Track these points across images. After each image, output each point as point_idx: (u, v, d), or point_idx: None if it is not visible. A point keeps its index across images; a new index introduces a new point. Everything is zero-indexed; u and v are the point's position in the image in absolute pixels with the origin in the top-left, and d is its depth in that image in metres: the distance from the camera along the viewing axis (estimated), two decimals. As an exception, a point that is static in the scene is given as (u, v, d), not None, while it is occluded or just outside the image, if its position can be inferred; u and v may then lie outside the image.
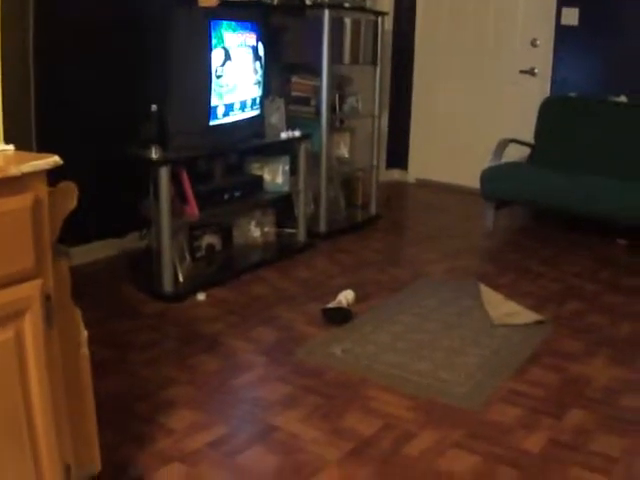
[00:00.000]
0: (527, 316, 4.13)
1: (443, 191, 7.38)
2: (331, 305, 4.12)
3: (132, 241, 4.99)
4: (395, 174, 7.85)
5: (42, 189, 1.84)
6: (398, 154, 7.81)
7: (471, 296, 4.45)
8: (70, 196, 2.02)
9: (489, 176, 5.84)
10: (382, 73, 6.08)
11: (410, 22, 7.59)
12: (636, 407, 3.19)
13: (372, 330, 3.93)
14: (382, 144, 7.10)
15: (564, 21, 6.72)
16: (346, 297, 4.22)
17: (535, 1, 6.85)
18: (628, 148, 5.96)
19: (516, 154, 6.41)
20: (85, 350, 2.21)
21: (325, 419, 3.04)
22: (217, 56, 4.38)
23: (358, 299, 4.30)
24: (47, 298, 1.89)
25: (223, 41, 4.42)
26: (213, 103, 4.44)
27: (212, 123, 4.48)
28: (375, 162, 6.16)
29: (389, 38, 7.34)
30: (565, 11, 6.69)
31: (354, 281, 4.66)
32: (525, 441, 2.88)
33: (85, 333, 2.20)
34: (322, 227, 5.62)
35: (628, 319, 4.20)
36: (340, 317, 4.03)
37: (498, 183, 5.83)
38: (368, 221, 6.13)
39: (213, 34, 4.32)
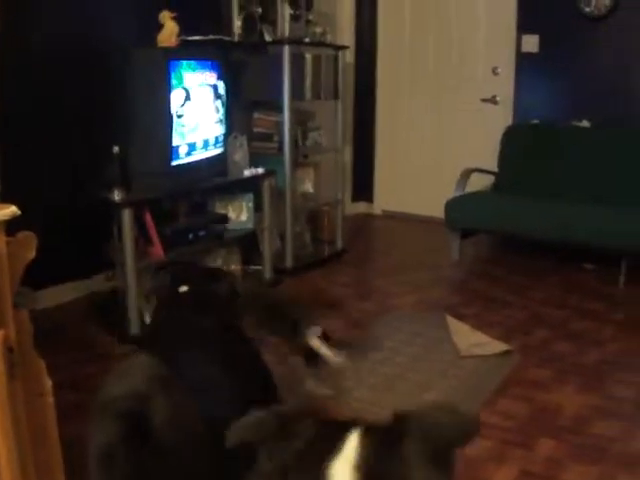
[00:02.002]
0: (495, 346, 4.14)
1: (410, 222, 7.40)
2: (299, 343, 4.10)
3: (99, 283, 4.95)
4: (361, 207, 7.86)
5: (0, 240, 1.83)
6: (363, 187, 7.83)
7: (439, 328, 4.45)
8: (29, 246, 2.00)
9: (453, 206, 5.87)
10: (344, 107, 6.12)
11: (372, 54, 7.64)
12: (606, 434, 3.21)
13: (341, 367, 3.92)
14: (347, 178, 7.13)
15: (524, 48, 6.79)
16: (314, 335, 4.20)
17: (495, 29, 6.92)
18: (592, 172, 6.02)
19: (481, 183, 6.46)
20: (50, 399, 2.18)
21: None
22: (177, 96, 4.39)
23: (327, 335, 4.27)
24: (9, 350, 1.87)
25: (183, 81, 4.43)
26: (175, 143, 4.44)
27: (175, 163, 4.47)
28: (340, 196, 6.17)
29: (351, 71, 7.38)
30: (525, 38, 6.76)
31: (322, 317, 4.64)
32: (496, 474, 2.88)
33: (49, 382, 2.17)
34: (288, 263, 5.60)
35: (596, 345, 4.22)
36: (309, 356, 4.01)
37: (462, 213, 5.86)
38: (335, 255, 6.12)
39: (172, 74, 4.33)
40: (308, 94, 5.65)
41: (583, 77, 6.58)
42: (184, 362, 2.07)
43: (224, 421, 1.43)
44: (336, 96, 5.96)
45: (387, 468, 1.24)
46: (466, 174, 6.20)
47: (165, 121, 4.35)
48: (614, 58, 6.47)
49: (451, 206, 5.88)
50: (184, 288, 2.66)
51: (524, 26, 6.77)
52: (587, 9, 6.43)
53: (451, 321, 4.50)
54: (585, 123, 6.49)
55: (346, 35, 7.28)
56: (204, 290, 2.73)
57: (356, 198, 7.82)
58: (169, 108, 4.33)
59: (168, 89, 4.31)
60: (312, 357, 4.02)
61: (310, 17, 5.80)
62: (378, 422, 1.31)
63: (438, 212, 6.04)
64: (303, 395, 3.48)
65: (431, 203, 6.79)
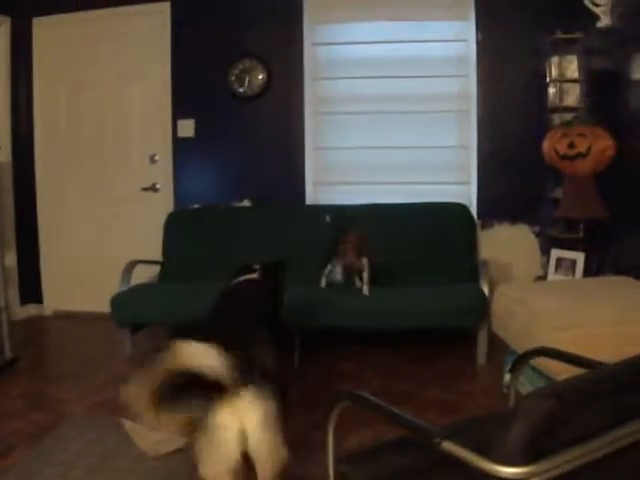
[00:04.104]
0: (176, 441, 4.09)
1: (82, 320, 7.26)
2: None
3: None
4: (31, 309, 7.59)
5: None
6: (31, 288, 7.58)
7: (117, 432, 4.30)
8: None
9: (118, 302, 5.82)
10: (3, 210, 5.90)
11: (29, 154, 7.48)
12: None
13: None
14: (11, 282, 6.86)
15: (181, 133, 6.95)
16: (-19, 460, 3.94)
17: (151, 116, 7.05)
18: (258, 250, 6.18)
19: (151, 273, 6.48)
20: None
21: None
22: None
23: (-1, 457, 4.04)
24: None
25: None
26: None
27: None
28: (2, 303, 5.89)
29: (8, 173, 7.16)
30: (181, 123, 6.92)
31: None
32: None
33: None
34: (-47, 383, 5.24)
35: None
36: None
37: (128, 307, 5.82)
38: (5, 366, 5.77)
39: None
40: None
41: (240, 157, 6.85)
42: None
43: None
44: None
45: None
46: (130, 267, 6.16)
47: None
48: (270, 136, 6.79)
49: (116, 302, 5.82)
50: None
51: (180, 111, 6.93)
52: (240, 90, 6.71)
53: (127, 423, 4.39)
54: (246, 203, 6.72)
55: (1, 136, 7.06)
56: None
57: (25, 301, 7.53)
58: None
59: None
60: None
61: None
62: None
63: (108, 307, 5.93)
64: None
65: (101, 299, 6.53)
